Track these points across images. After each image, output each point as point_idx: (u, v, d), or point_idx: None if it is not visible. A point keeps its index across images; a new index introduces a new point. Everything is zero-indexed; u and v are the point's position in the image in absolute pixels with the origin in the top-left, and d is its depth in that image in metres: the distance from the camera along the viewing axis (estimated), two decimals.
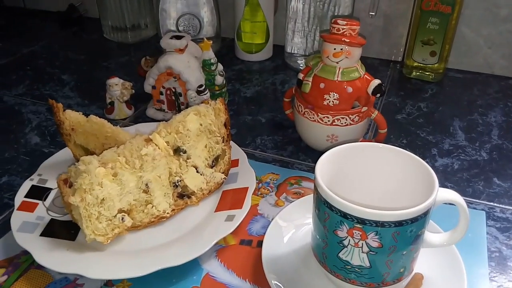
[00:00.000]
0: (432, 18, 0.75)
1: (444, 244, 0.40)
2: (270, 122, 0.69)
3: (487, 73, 0.83)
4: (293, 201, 0.51)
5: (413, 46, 0.79)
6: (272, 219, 0.48)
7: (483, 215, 0.51)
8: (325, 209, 0.37)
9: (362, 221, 0.34)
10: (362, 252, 0.36)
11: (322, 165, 0.39)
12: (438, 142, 0.64)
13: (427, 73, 0.80)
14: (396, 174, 0.41)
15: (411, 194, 0.39)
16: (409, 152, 0.41)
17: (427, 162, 0.39)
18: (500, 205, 0.53)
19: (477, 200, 0.53)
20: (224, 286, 0.43)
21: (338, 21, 0.54)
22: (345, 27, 0.54)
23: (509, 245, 0.47)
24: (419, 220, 0.35)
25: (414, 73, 0.81)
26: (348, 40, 0.54)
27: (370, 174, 0.42)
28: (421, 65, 0.80)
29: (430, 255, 0.43)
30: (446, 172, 0.58)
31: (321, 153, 0.42)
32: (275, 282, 0.40)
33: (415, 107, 0.73)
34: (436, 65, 0.79)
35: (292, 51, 0.86)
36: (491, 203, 0.53)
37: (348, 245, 0.36)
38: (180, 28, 0.87)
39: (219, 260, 0.45)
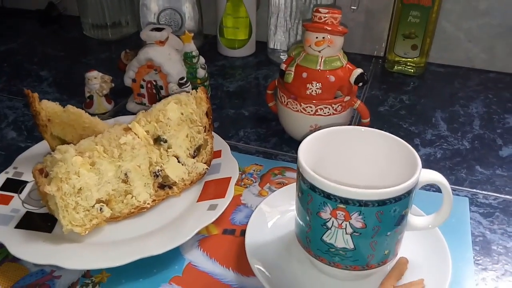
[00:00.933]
0: (413, 11, 0.76)
1: (429, 227, 0.40)
2: (253, 115, 0.68)
3: (467, 67, 0.84)
4: (275, 190, 0.50)
5: (395, 40, 0.80)
6: (256, 207, 0.47)
7: (466, 201, 0.51)
8: (308, 191, 0.36)
9: (345, 201, 0.34)
10: (346, 233, 0.35)
11: (305, 148, 0.39)
12: (420, 133, 0.64)
13: (408, 67, 0.81)
14: (380, 157, 0.41)
15: (396, 176, 0.38)
16: (391, 135, 0.40)
17: None
18: (483, 192, 0.53)
19: (460, 187, 0.53)
20: (207, 274, 0.42)
21: (319, 9, 0.54)
22: (326, 15, 0.53)
23: (492, 230, 0.47)
24: (403, 199, 0.35)
25: (396, 67, 0.82)
26: (330, 29, 0.53)
27: (353, 157, 0.42)
28: (403, 59, 0.81)
29: (414, 240, 0.42)
30: (429, 161, 0.58)
31: None
32: (258, 266, 0.39)
33: (397, 100, 0.73)
34: (417, 58, 0.79)
35: (275, 47, 0.85)
36: (474, 190, 0.53)
37: (331, 227, 0.36)
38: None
39: (202, 250, 0.44)
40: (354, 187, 0.34)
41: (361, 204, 0.34)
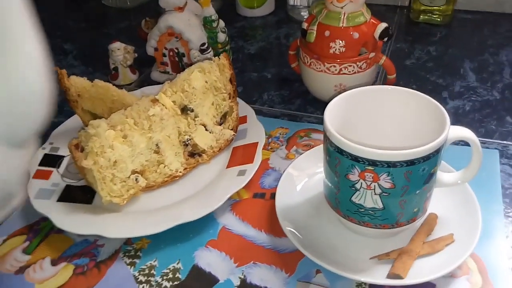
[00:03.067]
0: None
1: (458, 183, 0.40)
2: (276, 77, 0.68)
3: (497, 12, 0.80)
4: (302, 152, 0.51)
5: None
6: (284, 171, 0.48)
7: (496, 153, 0.50)
8: (335, 155, 0.36)
9: (373, 163, 0.34)
10: (375, 194, 0.36)
11: (331, 111, 0.39)
12: (448, 85, 0.63)
13: (435, 16, 0.78)
14: (407, 115, 0.41)
15: (424, 134, 0.38)
16: (418, 92, 0.40)
17: None
18: None
19: (490, 140, 0.53)
20: (241, 237, 0.43)
21: None
22: None
23: None
24: (431, 158, 0.35)
25: (421, 17, 0.79)
26: None
27: (381, 117, 0.42)
28: (429, 8, 0.77)
29: (443, 195, 0.42)
30: (458, 114, 0.57)
31: (328, 104, 0.41)
32: (289, 228, 0.41)
33: (424, 52, 0.71)
34: (443, 6, 0.76)
35: (295, 3, 0.83)
36: (504, 142, 0.52)
37: (360, 188, 0.36)
38: None
39: (234, 214, 0.46)
40: (383, 149, 0.35)
41: (390, 165, 0.34)
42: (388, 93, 0.41)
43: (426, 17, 0.79)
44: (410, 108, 0.40)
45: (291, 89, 0.64)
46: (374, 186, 0.36)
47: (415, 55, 0.70)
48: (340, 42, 0.54)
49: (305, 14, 0.82)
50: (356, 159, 0.35)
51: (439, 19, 0.78)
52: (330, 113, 0.38)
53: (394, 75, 0.57)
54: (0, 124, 0.24)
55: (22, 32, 0.24)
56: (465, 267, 0.39)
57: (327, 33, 0.55)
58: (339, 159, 0.36)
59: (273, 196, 0.47)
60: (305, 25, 0.58)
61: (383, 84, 0.58)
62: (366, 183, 0.36)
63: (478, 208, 0.41)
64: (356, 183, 0.36)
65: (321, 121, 0.57)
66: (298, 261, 0.41)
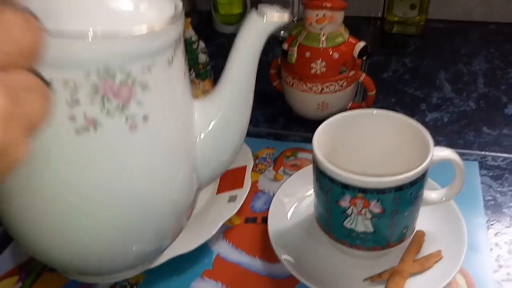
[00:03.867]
0: None
1: (443, 200, 0.42)
2: (258, 95, 0.67)
3: (467, 20, 0.83)
4: (291, 174, 0.52)
5: (393, 1, 0.78)
6: (274, 195, 0.49)
7: (476, 165, 0.52)
8: (326, 182, 0.37)
9: (363, 190, 0.35)
10: (366, 219, 0.37)
11: (319, 138, 0.40)
12: (426, 97, 0.65)
13: (408, 26, 0.80)
14: (392, 138, 0.42)
15: (409, 154, 0.40)
16: (400, 115, 0.41)
17: (417, 118, 0.40)
18: (492, 153, 0.54)
19: (469, 151, 0.55)
20: (235, 265, 0.44)
21: None
22: None
23: (502, 192, 0.49)
24: (418, 182, 0.36)
25: (395, 28, 0.81)
26: (329, 5, 0.53)
27: (366, 140, 0.43)
28: (402, 19, 0.80)
29: (428, 211, 0.44)
30: (437, 126, 0.59)
31: (313, 122, 0.45)
32: (284, 256, 0.42)
33: (400, 64, 0.73)
34: (417, 17, 0.79)
35: None
36: (483, 152, 0.54)
37: (351, 214, 0.37)
38: None
39: (228, 241, 0.46)
40: (371, 172, 0.36)
41: (379, 192, 0.35)
42: (373, 116, 0.42)
43: (400, 28, 0.81)
44: (394, 129, 0.42)
45: (275, 107, 0.65)
46: (365, 211, 0.37)
47: (392, 67, 0.72)
48: (321, 62, 0.55)
49: (282, 29, 0.83)
50: (346, 186, 0.36)
51: (412, 30, 0.80)
52: (318, 140, 0.39)
53: (374, 92, 0.58)
54: (211, 168, 0.34)
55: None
56: (454, 282, 0.40)
57: (307, 54, 0.56)
58: (329, 187, 0.37)
59: (264, 220, 0.47)
60: (285, 46, 0.59)
61: (363, 100, 0.59)
62: (357, 209, 0.37)
63: (463, 222, 0.43)
64: (347, 209, 0.37)
65: (305, 139, 0.58)
66: (293, 287, 0.41)
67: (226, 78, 0.32)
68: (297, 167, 0.54)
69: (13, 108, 0.16)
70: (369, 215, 0.37)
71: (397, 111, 0.61)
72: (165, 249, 0.38)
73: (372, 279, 0.40)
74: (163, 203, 0.32)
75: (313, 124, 0.60)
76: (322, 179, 0.38)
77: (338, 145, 0.42)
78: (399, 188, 0.35)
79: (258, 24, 0.30)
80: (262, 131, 0.61)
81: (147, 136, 0.28)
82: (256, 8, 0.31)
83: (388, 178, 0.35)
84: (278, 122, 0.62)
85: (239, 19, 0.86)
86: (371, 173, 0.40)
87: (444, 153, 0.39)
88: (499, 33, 0.79)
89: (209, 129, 0.33)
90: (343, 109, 0.60)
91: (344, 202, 0.37)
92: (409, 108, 0.63)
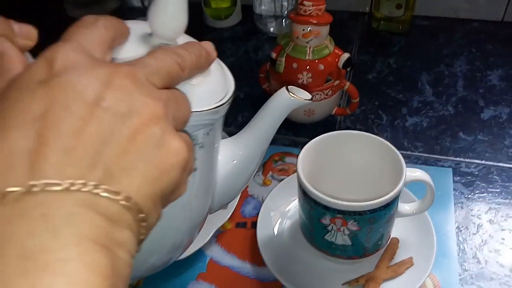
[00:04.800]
0: None
1: (414, 213, 0.46)
2: (248, 97, 0.71)
3: (452, 17, 0.86)
4: (279, 179, 0.56)
5: (379, 1, 0.80)
6: (263, 200, 0.53)
7: (450, 172, 0.56)
8: (309, 202, 0.41)
9: (342, 212, 0.39)
10: (344, 234, 0.41)
11: (303, 159, 0.43)
12: (407, 101, 0.68)
13: (394, 23, 0.82)
14: (371, 157, 0.46)
15: (386, 175, 0.44)
16: (379, 138, 0.45)
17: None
18: (466, 160, 0.58)
19: (444, 157, 0.59)
20: (227, 268, 0.48)
21: (304, 2, 0.55)
22: (311, 8, 0.55)
23: (473, 199, 0.53)
24: (391, 204, 0.40)
25: (382, 25, 0.83)
26: (315, 21, 0.55)
27: (348, 159, 0.47)
28: (388, 17, 0.82)
29: (403, 220, 0.48)
30: (417, 132, 0.63)
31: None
32: (270, 261, 0.46)
33: (385, 64, 0.76)
34: (403, 17, 0.81)
35: (261, 13, 0.86)
36: (457, 159, 0.58)
37: (331, 230, 0.42)
38: (146, 3, 0.86)
39: (220, 245, 0.51)
40: (350, 190, 0.40)
41: (356, 213, 0.39)
42: (353, 137, 0.46)
43: (386, 25, 0.83)
44: (372, 150, 0.45)
45: None
46: (343, 229, 0.41)
47: (377, 68, 0.75)
48: (307, 74, 0.58)
49: (271, 24, 0.85)
50: (327, 208, 0.40)
51: (398, 27, 0.82)
52: (302, 162, 0.43)
53: (357, 99, 0.61)
54: (228, 196, 0.40)
55: None
56: (423, 285, 0.45)
57: (294, 65, 0.58)
58: (312, 206, 0.41)
59: (253, 225, 0.52)
60: (274, 55, 0.61)
61: (347, 106, 0.63)
62: (336, 226, 0.41)
63: (433, 232, 0.47)
64: (328, 226, 0.41)
65: (293, 143, 0.62)
66: None
67: (251, 129, 0.40)
68: (285, 172, 0.58)
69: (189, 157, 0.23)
70: (347, 232, 0.41)
71: (379, 114, 0.66)
72: (174, 260, 0.42)
73: (349, 284, 0.45)
74: (181, 223, 0.36)
75: (300, 127, 0.64)
76: (306, 199, 0.42)
77: (322, 163, 0.46)
78: (374, 211, 0.39)
79: (287, 100, 0.38)
80: None
81: (191, 181, 0.32)
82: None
83: (364, 203, 0.39)
84: None
85: (230, 13, 0.88)
86: (351, 188, 0.44)
87: (416, 175, 0.43)
88: (482, 32, 0.82)
89: (231, 166, 0.37)
90: (328, 115, 0.64)
91: (325, 220, 0.41)
92: (391, 112, 0.66)
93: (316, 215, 0.41)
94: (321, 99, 0.60)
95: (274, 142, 0.62)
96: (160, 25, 0.29)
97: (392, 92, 0.70)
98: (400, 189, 0.40)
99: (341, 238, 0.42)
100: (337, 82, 0.60)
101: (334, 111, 0.64)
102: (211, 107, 0.30)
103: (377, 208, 0.39)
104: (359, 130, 0.64)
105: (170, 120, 0.22)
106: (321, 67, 0.58)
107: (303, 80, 0.59)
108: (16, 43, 0.25)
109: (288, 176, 0.56)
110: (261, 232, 0.49)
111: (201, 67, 0.28)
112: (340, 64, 0.59)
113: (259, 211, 0.52)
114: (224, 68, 0.35)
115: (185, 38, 0.32)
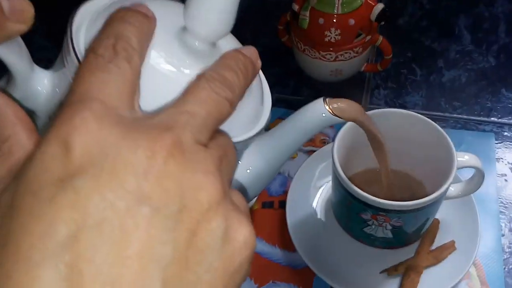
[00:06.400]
0: None
1: (459, 195, 0.42)
2: (267, 52, 0.64)
3: None
4: (305, 150, 0.52)
5: None
6: (289, 175, 0.49)
7: (492, 137, 0.52)
8: (347, 196, 0.38)
9: (386, 210, 0.36)
10: (386, 229, 0.38)
11: (339, 147, 0.39)
12: (443, 51, 0.61)
13: None
14: (416, 139, 0.41)
15: (432, 158, 0.39)
16: (429, 121, 0.40)
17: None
18: (510, 121, 0.53)
19: (486, 119, 0.54)
20: (258, 255, 0.46)
21: None
22: None
23: None
24: (438, 202, 0.36)
25: None
26: None
27: (389, 141, 0.42)
28: None
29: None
30: (454, 89, 0.57)
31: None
32: (302, 248, 0.43)
33: (417, 4, 0.67)
34: None
35: None
36: (500, 120, 0.53)
37: (372, 224, 0.38)
38: None
39: None
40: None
41: (400, 212, 0.36)
42: (397, 116, 0.41)
43: None
44: (420, 132, 0.40)
45: (284, 65, 0.62)
46: (386, 224, 0.38)
47: (408, 10, 0.67)
48: (336, 30, 0.51)
49: None
50: (368, 205, 0.36)
51: None
52: (338, 149, 0.39)
53: (391, 55, 0.55)
54: None
55: None
56: (467, 275, 0.43)
57: (321, 20, 0.51)
58: (351, 201, 0.38)
59: (281, 204, 0.48)
60: (296, 7, 0.54)
61: (379, 62, 0.57)
62: (378, 222, 0.38)
63: (476, 209, 0.44)
64: (368, 221, 0.38)
65: None
66: (313, 276, 0.44)
67: (274, 139, 0.31)
68: (311, 142, 0.54)
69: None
70: (389, 227, 0.38)
71: (413, 69, 0.59)
72: None
73: (388, 272, 0.42)
74: None
75: (326, 87, 0.58)
76: (343, 192, 0.38)
77: (360, 146, 0.41)
78: (419, 209, 0.36)
79: (322, 118, 0.30)
80: (273, 97, 0.59)
81: None
82: None
83: (409, 203, 0.35)
84: (289, 86, 0.60)
85: None
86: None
87: (465, 159, 0.38)
88: None
89: (244, 174, 0.33)
90: (356, 72, 0.58)
91: (366, 216, 0.38)
92: (426, 65, 0.60)
93: (355, 209, 0.38)
94: (350, 58, 0.54)
95: (297, 106, 0.58)
96: (201, 25, 0.22)
97: (426, 40, 0.63)
98: (447, 188, 0.36)
99: (382, 231, 0.39)
100: (368, 37, 0.53)
101: (363, 68, 0.58)
102: (252, 134, 0.25)
103: (424, 207, 0.35)
104: (390, 88, 0.59)
105: (228, 192, 0.17)
106: (352, 22, 0.51)
107: (331, 38, 0.52)
108: (6, 30, 0.18)
109: (315, 145, 0.52)
110: (291, 215, 0.46)
111: (247, 87, 0.21)
112: (373, 17, 0.52)
113: (285, 188, 0.49)
114: (260, 74, 0.29)
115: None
